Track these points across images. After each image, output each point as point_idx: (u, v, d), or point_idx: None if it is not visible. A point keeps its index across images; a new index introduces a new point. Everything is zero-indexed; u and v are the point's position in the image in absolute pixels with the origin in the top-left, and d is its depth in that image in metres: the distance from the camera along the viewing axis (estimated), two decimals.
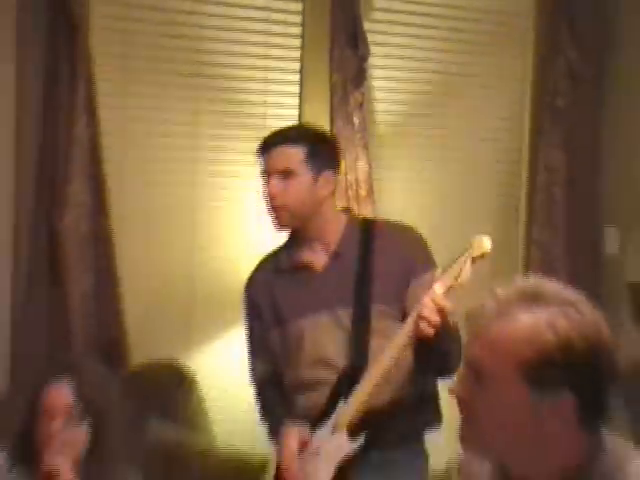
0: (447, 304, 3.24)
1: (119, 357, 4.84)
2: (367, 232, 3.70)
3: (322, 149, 3.69)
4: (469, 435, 2.14)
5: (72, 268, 4.75)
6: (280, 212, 3.64)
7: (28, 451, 3.35)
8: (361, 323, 3.57)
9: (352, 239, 3.67)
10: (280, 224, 3.69)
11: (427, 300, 3.25)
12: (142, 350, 4.94)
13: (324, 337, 3.59)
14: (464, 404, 2.10)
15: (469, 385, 2.08)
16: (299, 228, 3.69)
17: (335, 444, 3.46)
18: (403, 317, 3.52)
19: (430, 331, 3.25)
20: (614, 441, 2.09)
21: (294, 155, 3.61)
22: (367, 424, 3.45)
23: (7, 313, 4.75)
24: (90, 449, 3.34)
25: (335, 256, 3.65)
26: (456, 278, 3.27)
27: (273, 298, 3.71)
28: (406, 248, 3.66)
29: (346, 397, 3.49)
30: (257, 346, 3.78)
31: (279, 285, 3.72)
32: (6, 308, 4.75)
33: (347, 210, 3.92)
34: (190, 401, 4.91)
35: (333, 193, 3.74)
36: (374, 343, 3.52)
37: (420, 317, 3.26)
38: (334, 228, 3.69)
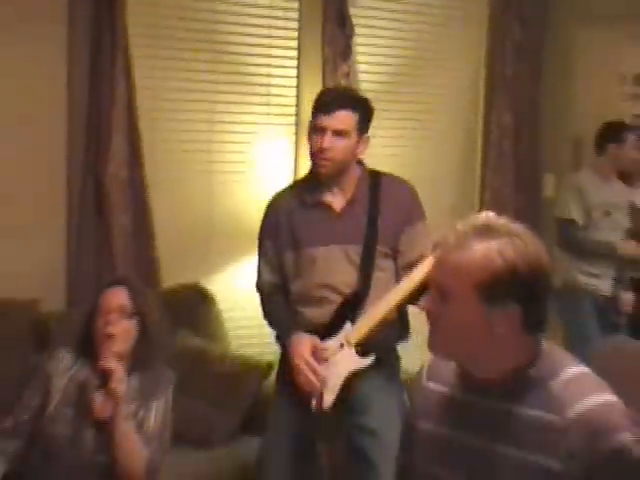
0: None
1: (152, 280, 4.80)
2: (375, 183, 3.67)
3: (368, 117, 3.68)
4: (436, 342, 2.15)
5: (113, 207, 4.74)
6: (327, 162, 3.58)
7: (89, 347, 3.38)
8: (367, 260, 3.57)
9: (363, 188, 3.65)
10: (322, 171, 3.62)
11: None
12: (171, 274, 4.92)
13: (333, 265, 3.58)
14: (432, 317, 2.12)
15: (436, 302, 2.10)
16: (333, 176, 3.64)
17: (345, 358, 3.49)
18: (394, 254, 3.62)
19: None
20: (551, 349, 2.13)
21: (351, 119, 3.57)
22: (371, 345, 3.50)
23: (64, 243, 4.73)
24: (137, 342, 3.38)
25: (351, 202, 3.62)
26: None
27: (292, 225, 3.66)
28: (405, 201, 3.68)
29: (352, 319, 3.52)
30: (268, 259, 3.74)
31: (301, 216, 3.66)
32: (63, 239, 4.73)
33: (361, 162, 3.78)
34: (210, 315, 4.91)
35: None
36: (375, 276, 3.57)
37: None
38: (352, 178, 3.66)
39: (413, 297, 3.44)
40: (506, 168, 6.16)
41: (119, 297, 3.39)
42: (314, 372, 3.48)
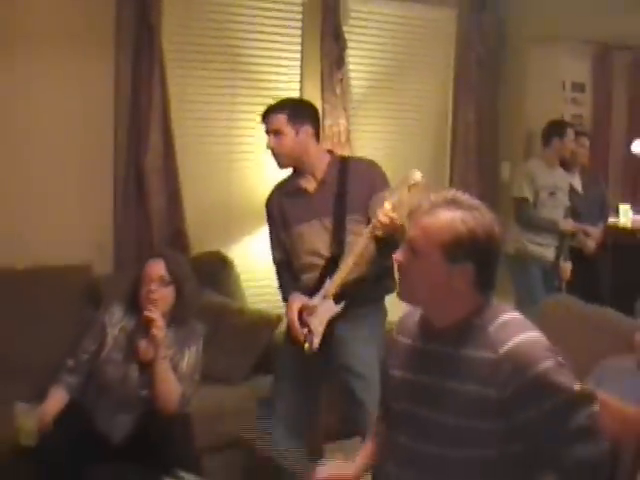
0: (393, 215, 3.29)
1: (183, 249, 4.79)
2: (344, 165, 3.69)
3: (299, 111, 3.69)
4: (404, 289, 2.20)
5: (151, 189, 4.74)
6: (278, 158, 3.68)
7: (136, 305, 3.45)
8: (339, 227, 3.59)
9: (333, 171, 3.66)
10: (281, 166, 3.72)
11: (380, 213, 3.31)
12: (197, 244, 4.91)
13: (315, 236, 3.62)
14: (402, 269, 2.17)
15: (407, 256, 2.13)
16: (296, 166, 3.69)
17: (325, 307, 3.54)
18: (367, 221, 3.55)
19: (380, 232, 3.35)
20: (497, 304, 2.16)
21: (280, 119, 3.61)
22: (345, 294, 3.52)
23: (111, 219, 4.75)
24: (174, 303, 3.45)
25: (322, 183, 3.65)
26: (399, 199, 3.30)
27: (282, 211, 3.71)
28: (370, 175, 3.67)
29: (331, 276, 3.54)
30: (274, 242, 3.80)
31: (286, 203, 3.72)
32: (110, 215, 4.75)
33: (330, 151, 3.86)
34: (230, 277, 4.90)
35: (316, 140, 3.71)
36: (348, 240, 3.57)
37: (374, 225, 3.35)
38: (321, 164, 3.67)
39: (375, 250, 3.50)
40: (470, 157, 6.14)
41: (158, 269, 3.43)
42: (297, 326, 3.55)
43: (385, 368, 2.35)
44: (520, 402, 2.00)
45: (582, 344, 3.39)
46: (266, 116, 3.68)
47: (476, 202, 2.12)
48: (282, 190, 3.78)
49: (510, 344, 2.02)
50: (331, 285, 3.53)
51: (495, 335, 2.06)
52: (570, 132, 5.88)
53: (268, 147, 3.67)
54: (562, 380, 2.01)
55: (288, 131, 3.61)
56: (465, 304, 2.12)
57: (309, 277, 3.65)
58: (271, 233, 3.83)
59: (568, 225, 5.76)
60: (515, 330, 2.07)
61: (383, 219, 3.31)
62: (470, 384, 2.05)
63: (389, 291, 3.69)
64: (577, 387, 2.04)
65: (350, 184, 3.62)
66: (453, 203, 2.09)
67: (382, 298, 3.75)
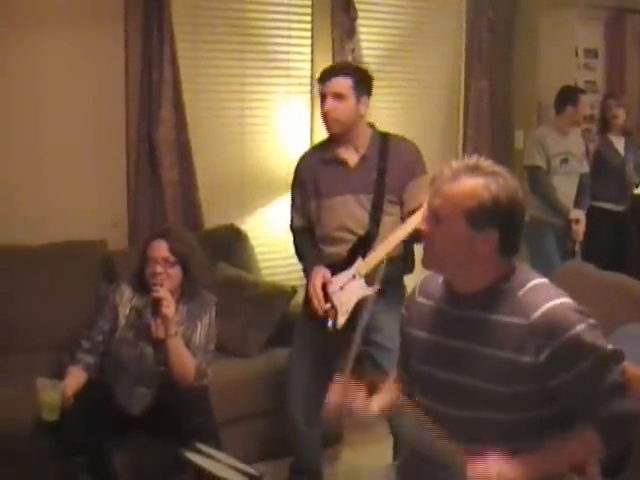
0: None
1: (196, 222, 4.83)
2: (384, 142, 3.62)
3: (363, 80, 3.61)
4: (429, 258, 2.18)
5: (164, 163, 4.74)
6: (332, 123, 3.56)
7: (144, 284, 3.46)
8: (376, 206, 3.55)
9: (375, 147, 3.60)
10: (331, 131, 3.61)
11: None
12: (211, 217, 4.93)
13: (348, 211, 3.57)
14: (427, 237, 2.16)
15: (430, 225, 2.13)
16: (342, 134, 3.60)
17: (357, 286, 3.48)
18: (400, 203, 3.57)
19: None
20: (521, 267, 2.18)
21: (345, 83, 3.52)
22: (379, 276, 3.50)
23: (125, 194, 4.76)
24: (182, 280, 3.47)
25: (363, 158, 3.59)
26: None
27: (315, 178, 3.65)
28: (409, 157, 3.63)
29: (363, 255, 3.51)
30: (297, 207, 3.76)
31: (322, 171, 3.65)
32: (124, 190, 4.76)
33: (372, 124, 3.73)
34: (244, 250, 4.89)
35: (367, 113, 3.66)
36: (383, 220, 3.55)
37: (424, 217, 3.34)
38: (363, 137, 3.62)
39: (412, 237, 3.41)
40: (483, 125, 6.13)
41: (160, 250, 3.44)
42: (320, 299, 3.50)
43: (405, 328, 2.37)
44: (556, 366, 2.02)
45: (596, 310, 3.39)
46: (328, 78, 3.57)
47: (498, 168, 2.12)
48: (318, 156, 3.72)
49: (542, 309, 2.04)
50: (364, 265, 3.50)
51: (526, 301, 2.08)
52: (583, 99, 5.85)
53: (322, 111, 3.58)
54: (595, 340, 2.04)
55: (351, 97, 3.54)
56: (491, 270, 2.13)
57: (334, 251, 3.62)
58: (296, 197, 3.78)
59: (575, 215, 5.60)
60: (546, 295, 2.08)
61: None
62: (501, 350, 2.07)
63: (409, 271, 3.71)
64: (609, 346, 2.07)
65: (390, 164, 3.57)
66: (476, 170, 2.09)
67: (402, 277, 3.74)
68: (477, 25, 6.04)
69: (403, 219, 3.56)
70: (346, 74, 3.57)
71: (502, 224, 2.07)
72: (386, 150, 3.60)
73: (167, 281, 3.41)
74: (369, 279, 3.45)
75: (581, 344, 2.02)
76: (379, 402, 2.41)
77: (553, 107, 5.88)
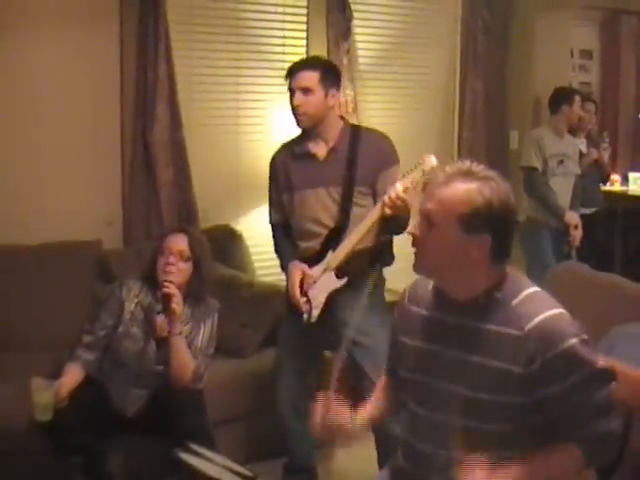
0: (404, 196, 3.26)
1: (191, 222, 4.79)
2: (355, 134, 3.62)
3: (330, 73, 3.60)
4: (420, 263, 2.17)
5: (159, 163, 4.74)
6: (301, 117, 3.55)
7: (153, 279, 3.47)
8: (346, 198, 3.55)
9: (345, 139, 3.59)
10: (301, 125, 3.60)
11: (392, 193, 3.28)
12: (206, 217, 4.93)
13: (319, 204, 3.57)
14: (418, 242, 2.14)
15: (423, 229, 2.11)
16: (312, 128, 3.59)
17: (327, 280, 3.52)
18: (373, 195, 3.57)
19: (389, 212, 3.30)
20: (514, 274, 2.16)
21: (312, 77, 3.51)
22: (348, 269, 3.50)
23: (119, 193, 4.77)
24: (191, 279, 3.48)
25: (332, 150, 3.58)
26: (411, 182, 3.28)
27: (287, 173, 3.65)
28: (380, 148, 3.61)
29: (333, 249, 3.53)
30: (274, 202, 3.77)
31: (293, 165, 3.65)
32: (119, 190, 4.77)
33: (342, 117, 3.75)
34: (239, 250, 4.92)
35: (336, 105, 3.66)
36: (353, 211, 3.55)
37: (385, 203, 3.31)
38: (333, 130, 3.60)
39: (379, 226, 3.45)
40: (478, 126, 6.13)
41: (180, 243, 3.47)
42: (298, 294, 3.55)
43: (396, 334, 2.36)
44: (546, 378, 2.02)
45: (591, 311, 3.38)
46: (295, 72, 3.57)
47: (491, 173, 2.11)
48: (289, 151, 3.71)
49: (536, 321, 2.03)
50: (334, 258, 3.52)
51: (520, 311, 2.07)
52: (577, 99, 5.86)
53: (291, 106, 3.57)
54: (587, 355, 2.03)
55: (318, 91, 3.53)
56: (482, 276, 2.12)
57: (308, 245, 3.63)
58: (272, 192, 3.79)
59: (573, 220, 5.60)
60: (540, 306, 2.07)
61: (394, 199, 3.29)
62: (494, 360, 2.06)
63: (387, 264, 3.71)
64: (600, 363, 2.06)
65: (360, 155, 3.57)
66: (469, 174, 2.08)
67: (380, 270, 3.71)
68: (472, 26, 6.05)
69: None
70: (313, 68, 3.56)
71: (495, 229, 2.07)
72: (356, 142, 3.59)
73: (177, 275, 3.42)
74: (338, 271, 3.51)
75: (573, 357, 2.02)
76: (365, 414, 2.42)
77: (548, 108, 5.89)
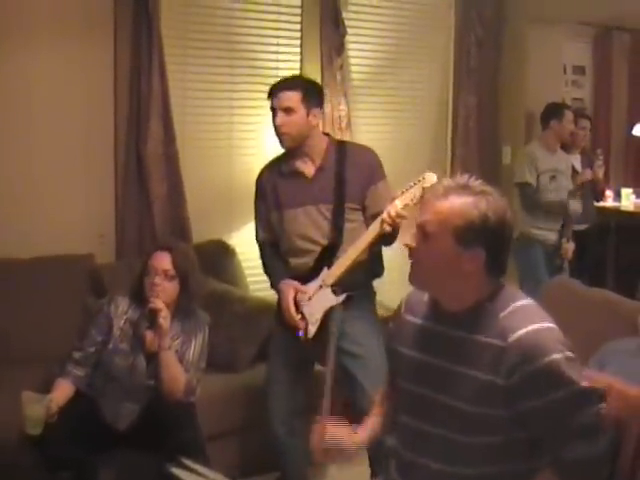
0: (404, 213, 3.27)
1: (184, 237, 4.78)
2: (341, 151, 3.63)
3: (312, 92, 3.60)
4: (415, 274, 2.18)
5: (152, 177, 4.74)
6: (284, 137, 3.56)
7: (141, 295, 3.46)
8: (337, 215, 3.56)
9: (331, 156, 3.60)
10: (284, 145, 3.61)
11: (391, 210, 3.28)
12: (199, 232, 4.92)
13: (309, 222, 3.58)
14: (414, 253, 2.16)
15: (418, 241, 2.13)
16: (295, 147, 3.60)
17: (323, 296, 3.50)
18: (362, 209, 3.59)
19: (389, 229, 3.32)
20: (507, 288, 2.17)
21: (294, 97, 3.52)
22: (344, 286, 3.49)
23: (112, 208, 4.77)
24: (179, 296, 3.47)
25: (320, 168, 3.58)
26: (411, 199, 3.27)
27: (275, 191, 3.65)
28: (367, 163, 3.62)
29: (328, 265, 3.52)
30: (261, 219, 3.75)
31: (280, 183, 3.65)
32: (111, 204, 4.77)
33: (328, 134, 3.78)
34: (231, 265, 4.92)
35: (319, 123, 3.68)
36: (345, 228, 3.56)
37: (385, 221, 3.31)
38: (319, 147, 3.61)
39: (375, 241, 3.44)
40: (471, 141, 6.16)
41: (163, 262, 3.45)
42: (293, 311, 3.53)
43: (391, 345, 2.37)
44: (525, 391, 2.00)
45: (583, 327, 3.39)
46: (276, 92, 3.57)
47: (488, 187, 2.12)
48: (276, 169, 3.71)
49: (520, 333, 2.02)
50: (329, 275, 3.51)
51: (505, 322, 2.06)
52: (568, 114, 5.88)
53: (274, 126, 3.58)
54: (569, 374, 2.00)
55: (300, 110, 3.54)
56: (477, 289, 2.12)
57: (299, 262, 3.62)
58: (259, 210, 3.78)
59: (578, 207, 5.74)
60: (526, 319, 2.06)
61: (394, 217, 3.30)
62: (477, 370, 2.06)
63: (378, 275, 3.73)
64: (585, 383, 2.03)
65: (348, 172, 3.58)
66: (466, 188, 2.10)
67: (371, 281, 3.74)
68: (466, 41, 6.08)
69: (367, 224, 3.56)
70: (294, 88, 3.57)
71: (489, 243, 2.07)
72: (343, 158, 3.61)
73: (162, 294, 3.42)
74: (335, 287, 3.49)
75: (554, 373, 2.00)
76: (365, 432, 2.43)
77: (539, 123, 5.92)
